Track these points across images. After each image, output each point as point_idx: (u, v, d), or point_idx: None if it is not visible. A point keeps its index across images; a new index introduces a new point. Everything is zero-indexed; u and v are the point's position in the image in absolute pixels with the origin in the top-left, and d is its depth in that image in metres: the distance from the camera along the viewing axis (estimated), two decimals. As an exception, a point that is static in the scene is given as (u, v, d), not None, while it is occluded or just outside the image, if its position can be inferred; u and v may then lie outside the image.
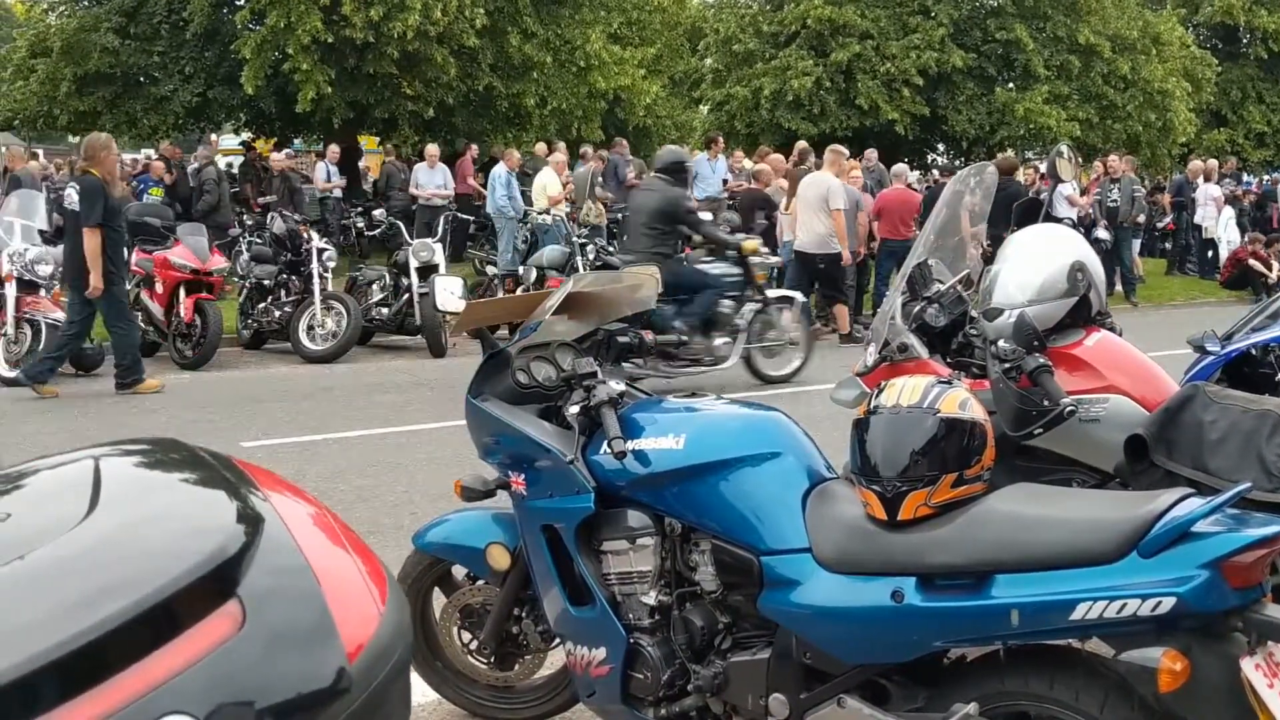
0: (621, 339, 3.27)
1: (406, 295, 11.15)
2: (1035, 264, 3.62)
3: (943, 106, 22.96)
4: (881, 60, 22.41)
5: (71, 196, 8.71)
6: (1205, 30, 29.41)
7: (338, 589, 1.01)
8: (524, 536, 3.13)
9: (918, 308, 3.75)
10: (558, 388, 3.06)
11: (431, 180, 16.63)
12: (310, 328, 10.69)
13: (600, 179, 15.55)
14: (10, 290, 9.23)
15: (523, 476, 3.07)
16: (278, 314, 11.02)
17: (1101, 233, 14.57)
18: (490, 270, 13.10)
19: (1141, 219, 16.87)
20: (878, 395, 2.62)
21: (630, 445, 2.82)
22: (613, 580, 2.94)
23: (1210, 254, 19.25)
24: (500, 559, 3.27)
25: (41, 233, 10.04)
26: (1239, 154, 26.31)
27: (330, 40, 15.94)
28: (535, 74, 18.37)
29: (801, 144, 17.35)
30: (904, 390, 2.58)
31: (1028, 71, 22.89)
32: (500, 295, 12.26)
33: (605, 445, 2.84)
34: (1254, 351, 4.49)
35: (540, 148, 17.18)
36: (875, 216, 13.18)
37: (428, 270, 11.04)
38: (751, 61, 23.42)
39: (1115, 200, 15.58)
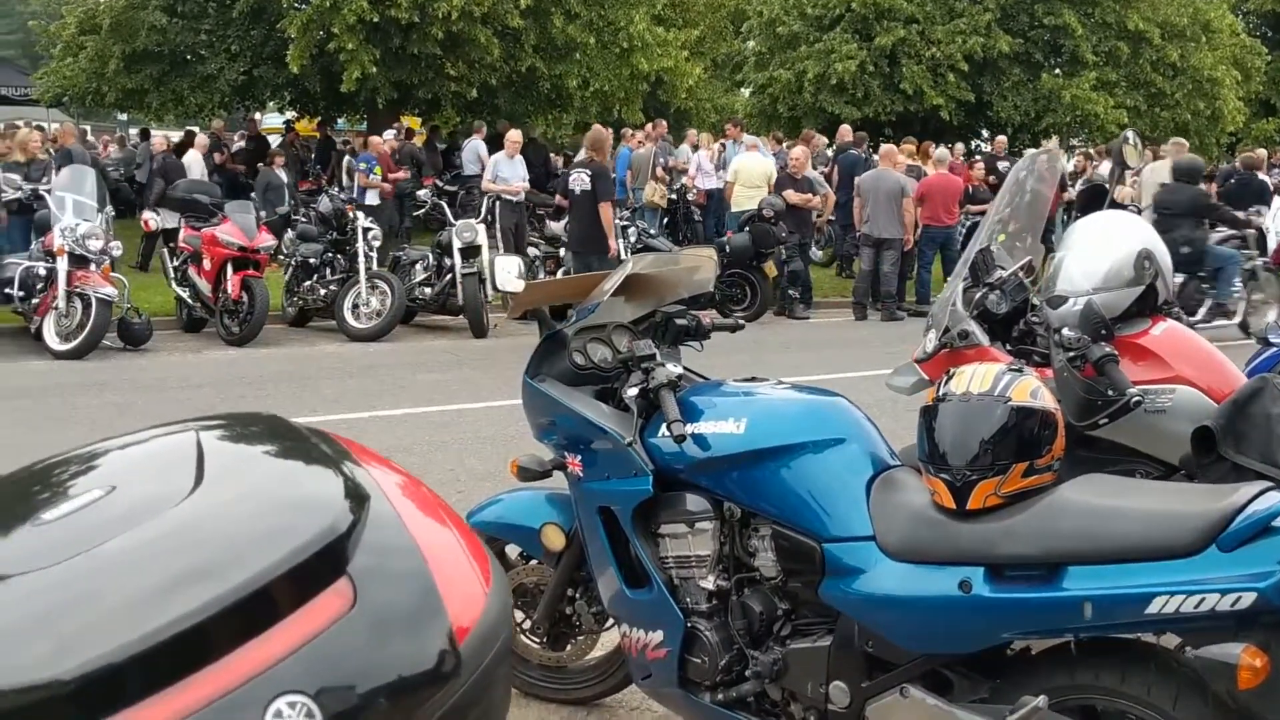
0: (679, 321, 3.24)
1: (449, 275, 11.17)
2: (1101, 251, 3.56)
3: (988, 92, 22.71)
4: (926, 45, 22.19)
5: (584, 179, 10.66)
6: (1255, 18, 28.94)
7: (444, 568, 0.98)
8: (579, 518, 3.11)
9: (979, 294, 3.69)
10: (614, 369, 3.04)
11: (515, 173, 13.73)
12: (355, 306, 10.75)
13: (660, 160, 15.46)
14: (62, 265, 9.31)
15: (579, 458, 3.05)
16: (323, 292, 11.08)
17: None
18: (532, 251, 13.09)
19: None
20: (947, 382, 2.58)
21: (689, 429, 2.79)
22: (670, 563, 2.92)
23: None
24: (555, 539, 3.26)
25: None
26: (1289, 144, 25.90)
27: (375, 20, 15.97)
28: (578, 55, 18.34)
29: (845, 128, 17.29)
30: (974, 377, 2.53)
31: (1075, 58, 22.59)
32: (542, 276, 12.27)
33: (664, 428, 2.82)
34: (1319, 343, 4.40)
35: (748, 138, 16.38)
36: (919, 202, 13.10)
37: (471, 251, 11.05)
38: (795, 44, 23.25)
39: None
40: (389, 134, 16.90)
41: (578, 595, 3.34)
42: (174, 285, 10.98)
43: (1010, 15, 22.63)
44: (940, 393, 2.57)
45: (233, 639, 0.86)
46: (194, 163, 15.39)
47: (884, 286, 13.01)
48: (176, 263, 10.98)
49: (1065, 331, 3.29)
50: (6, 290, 9.89)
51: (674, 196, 16.01)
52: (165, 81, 18.30)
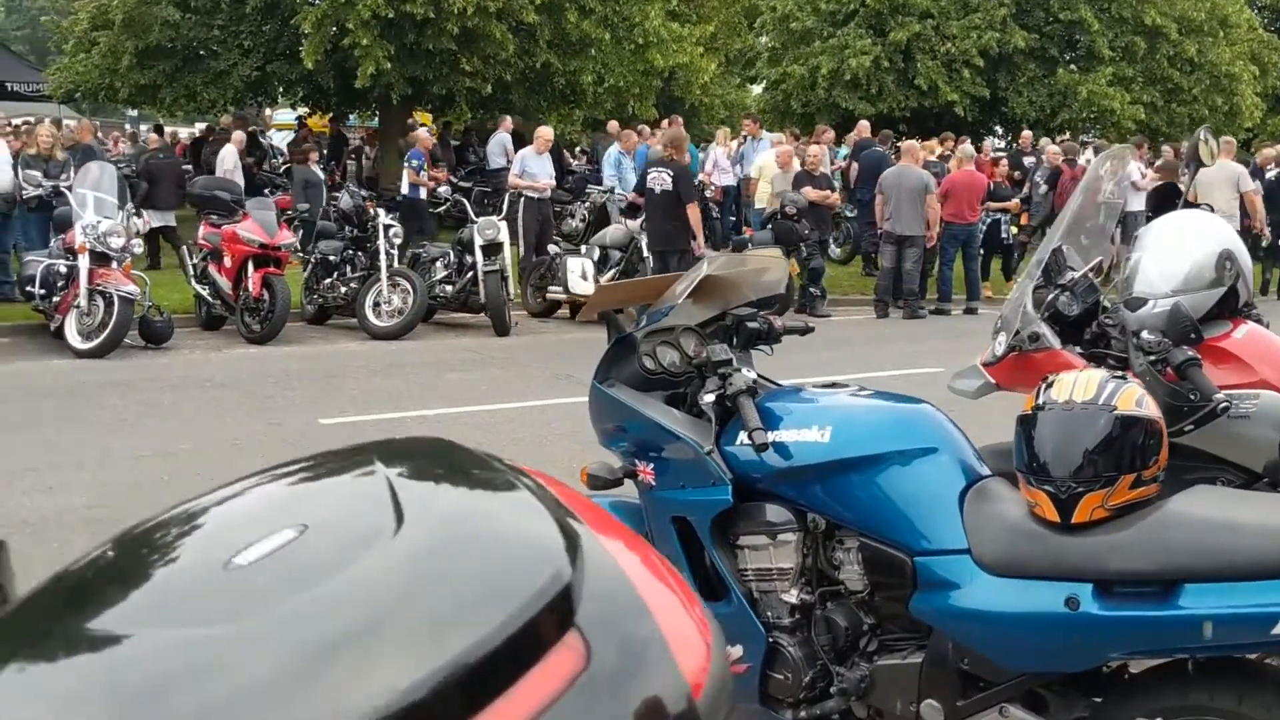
0: (750, 325, 3.15)
1: (470, 273, 11.07)
2: (1179, 252, 3.46)
3: (1003, 88, 22.57)
4: (941, 40, 22.06)
5: (665, 179, 10.93)
6: (1272, 13, 28.74)
7: (667, 616, 0.89)
8: (650, 527, 3.02)
9: (1050, 295, 3.59)
10: (685, 374, 2.95)
11: (543, 170, 13.44)
12: (376, 304, 10.65)
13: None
14: (83, 262, 9.22)
15: (651, 466, 2.96)
16: (344, 290, 11.00)
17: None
18: (552, 249, 12.99)
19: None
20: (1047, 389, 2.49)
21: (770, 436, 2.70)
22: (750, 576, 2.83)
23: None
24: (623, 549, 3.17)
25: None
26: (1305, 140, 25.73)
27: (390, 16, 15.86)
28: (593, 51, 18.20)
29: (863, 124, 17.20)
30: (1076, 385, 2.45)
31: (1091, 53, 22.44)
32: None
33: (742, 436, 2.73)
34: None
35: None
36: (942, 198, 13.00)
37: (493, 248, 10.96)
38: (809, 40, 23.12)
39: (1191, 186, 15.23)
40: (422, 131, 16.78)
41: (644, 606, 3.25)
42: (193, 283, 10.89)
43: (1026, 10, 22.48)
44: (1039, 401, 2.48)
45: (461, 712, 0.76)
46: (228, 156, 15.26)
47: (906, 284, 12.92)
48: (196, 260, 10.90)
49: (1145, 335, 3.20)
50: (28, 288, 9.83)
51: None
52: (178, 77, 18.16)
